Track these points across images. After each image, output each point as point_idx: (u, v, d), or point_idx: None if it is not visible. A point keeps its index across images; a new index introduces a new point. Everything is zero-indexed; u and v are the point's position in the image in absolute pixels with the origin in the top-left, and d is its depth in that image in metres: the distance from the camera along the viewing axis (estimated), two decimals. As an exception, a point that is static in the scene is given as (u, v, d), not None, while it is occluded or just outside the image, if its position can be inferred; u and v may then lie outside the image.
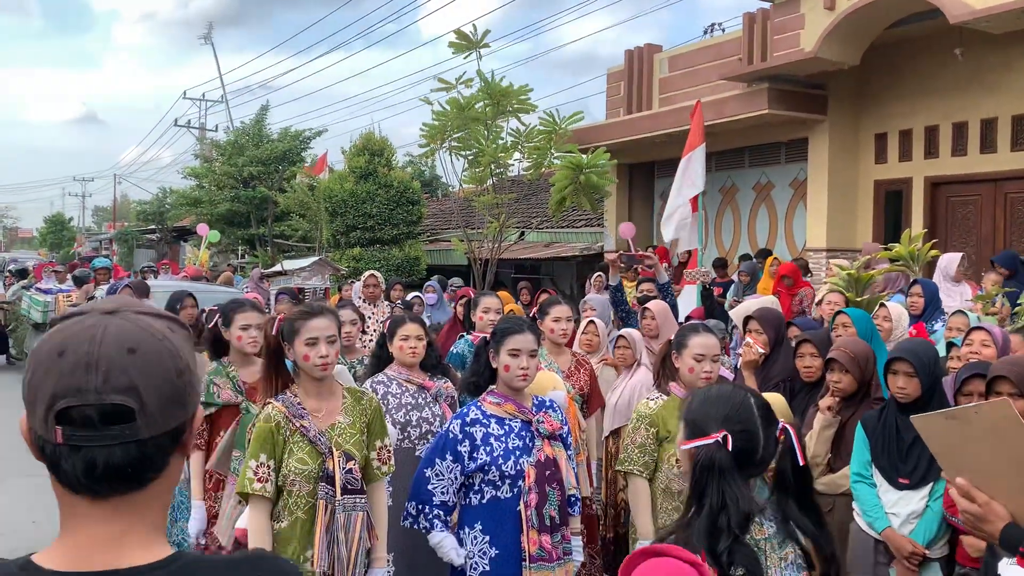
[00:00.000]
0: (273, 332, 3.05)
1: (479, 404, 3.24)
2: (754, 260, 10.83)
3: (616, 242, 12.93)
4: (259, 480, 2.87)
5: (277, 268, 14.09)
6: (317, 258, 12.88)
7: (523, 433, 3.19)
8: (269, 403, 2.98)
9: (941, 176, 10.09)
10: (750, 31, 11.01)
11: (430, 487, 3.12)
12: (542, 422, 3.21)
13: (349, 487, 2.92)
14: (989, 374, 3.23)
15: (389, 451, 3.15)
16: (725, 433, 1.83)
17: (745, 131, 11.35)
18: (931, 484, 3.40)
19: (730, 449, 1.83)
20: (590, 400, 4.90)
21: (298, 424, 2.91)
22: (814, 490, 1.99)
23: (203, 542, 3.76)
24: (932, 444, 1.85)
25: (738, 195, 12.64)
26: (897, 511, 3.45)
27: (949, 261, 7.18)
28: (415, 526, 3.16)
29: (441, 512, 3.12)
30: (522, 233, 16.78)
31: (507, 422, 3.19)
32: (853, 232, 10.77)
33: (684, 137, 9.21)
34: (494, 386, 3.28)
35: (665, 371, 3.60)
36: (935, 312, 6.07)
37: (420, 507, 3.13)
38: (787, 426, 1.91)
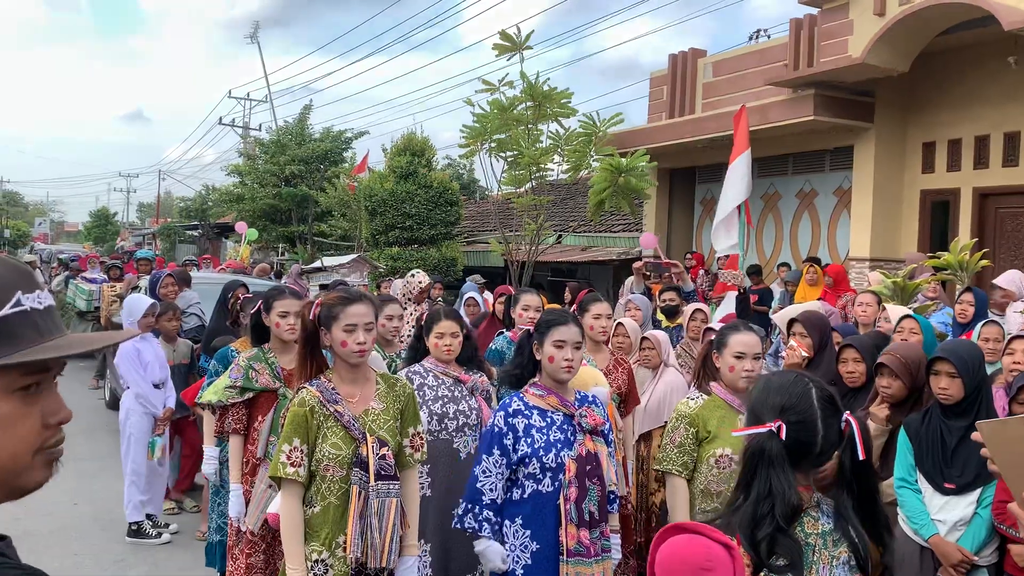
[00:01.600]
0: (311, 317, 3.04)
1: (521, 395, 3.22)
2: (797, 269, 10.69)
3: (659, 246, 12.83)
4: (292, 464, 2.86)
5: (316, 264, 14.23)
6: (356, 255, 12.97)
7: (565, 426, 3.16)
8: (303, 388, 2.97)
9: (990, 187, 9.87)
10: (796, 37, 10.88)
11: (479, 485, 3.10)
12: (584, 416, 3.18)
13: (383, 473, 2.90)
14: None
15: (422, 438, 3.14)
16: (780, 423, 1.79)
17: (789, 138, 11.21)
18: (979, 490, 3.32)
19: (784, 439, 1.79)
20: (627, 400, 4.86)
21: (332, 409, 2.90)
22: (878, 490, 1.90)
23: (248, 526, 3.79)
24: (999, 453, 1.64)
25: (781, 202, 12.49)
26: (943, 517, 3.37)
27: (1010, 279, 6.83)
28: (461, 526, 3.11)
29: (491, 513, 3.08)
30: (559, 236, 16.76)
31: (549, 414, 3.17)
32: (897, 242, 10.59)
33: (727, 142, 9.12)
34: (537, 378, 3.26)
35: (706, 371, 3.57)
36: (981, 320, 5.92)
37: (469, 506, 3.10)
38: (851, 418, 1.84)
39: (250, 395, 3.93)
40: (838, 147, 11.11)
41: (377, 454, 2.89)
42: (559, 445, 3.12)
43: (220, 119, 36.95)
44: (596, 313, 4.80)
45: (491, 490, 3.08)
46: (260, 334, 4.17)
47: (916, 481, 3.48)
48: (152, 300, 6.09)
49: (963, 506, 3.35)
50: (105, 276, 12.94)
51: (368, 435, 2.91)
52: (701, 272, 11.59)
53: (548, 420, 3.16)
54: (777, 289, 10.52)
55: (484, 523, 3.06)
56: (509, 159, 12.88)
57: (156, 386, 5.86)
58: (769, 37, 13.17)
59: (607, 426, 3.30)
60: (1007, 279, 6.64)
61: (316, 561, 2.86)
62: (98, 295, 12.11)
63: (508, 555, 3.10)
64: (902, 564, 3.47)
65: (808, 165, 11.98)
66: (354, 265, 12.15)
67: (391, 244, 16.01)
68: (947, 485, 3.38)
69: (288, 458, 2.85)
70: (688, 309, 6.05)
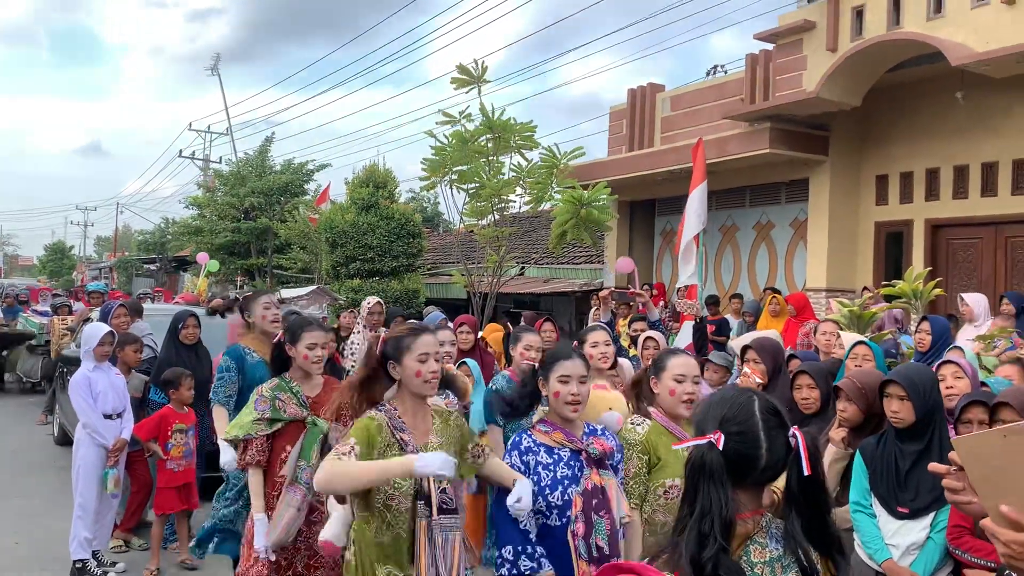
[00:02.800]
0: (378, 352, 3.02)
1: (529, 432, 3.21)
2: (753, 299, 10.80)
3: (616, 278, 12.89)
4: (343, 454, 2.80)
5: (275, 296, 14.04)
6: (315, 287, 12.84)
7: (572, 462, 3.13)
8: (371, 412, 2.94)
9: (942, 219, 10.09)
10: (752, 71, 11.10)
11: (522, 526, 3.03)
12: (592, 444, 3.14)
13: (444, 507, 2.87)
14: (992, 402, 3.19)
15: (481, 447, 3.15)
16: (719, 434, 1.75)
17: (746, 170, 11.38)
18: (932, 514, 3.32)
19: (724, 450, 1.74)
20: None
21: (398, 436, 2.89)
22: (828, 508, 1.83)
23: (272, 557, 3.77)
24: (974, 468, 1.63)
25: (738, 234, 12.64)
26: (896, 542, 3.36)
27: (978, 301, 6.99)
28: (514, 571, 3.01)
29: (541, 548, 3.02)
30: (522, 269, 16.78)
31: (556, 451, 3.14)
32: (853, 272, 10.75)
33: (685, 175, 9.23)
34: (545, 413, 3.24)
35: (642, 396, 3.50)
36: (943, 348, 5.99)
37: (520, 548, 3.01)
38: (797, 433, 1.79)
39: (278, 426, 3.89)
40: (794, 179, 11.30)
41: (438, 488, 2.87)
42: (566, 482, 3.09)
43: (180, 152, 36.63)
44: (594, 341, 4.70)
45: (531, 528, 3.05)
46: (280, 365, 4.10)
47: (871, 505, 3.48)
48: (109, 328, 5.94)
49: (916, 530, 3.34)
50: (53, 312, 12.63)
51: None
52: (661, 303, 11.65)
53: (555, 457, 3.13)
54: (734, 320, 10.60)
55: (542, 559, 3.01)
56: (471, 191, 12.91)
57: (109, 416, 5.69)
58: (726, 72, 13.42)
59: (617, 458, 3.23)
60: (974, 299, 6.81)
61: None
62: (48, 328, 11.83)
63: None
64: (858, 590, 3.45)
65: (765, 197, 12.16)
66: (313, 297, 12.02)
67: (352, 276, 15.88)
68: (900, 509, 3.38)
69: (342, 448, 2.81)
70: (640, 338, 6.05)
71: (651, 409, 3.39)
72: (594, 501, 3.08)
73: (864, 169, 10.88)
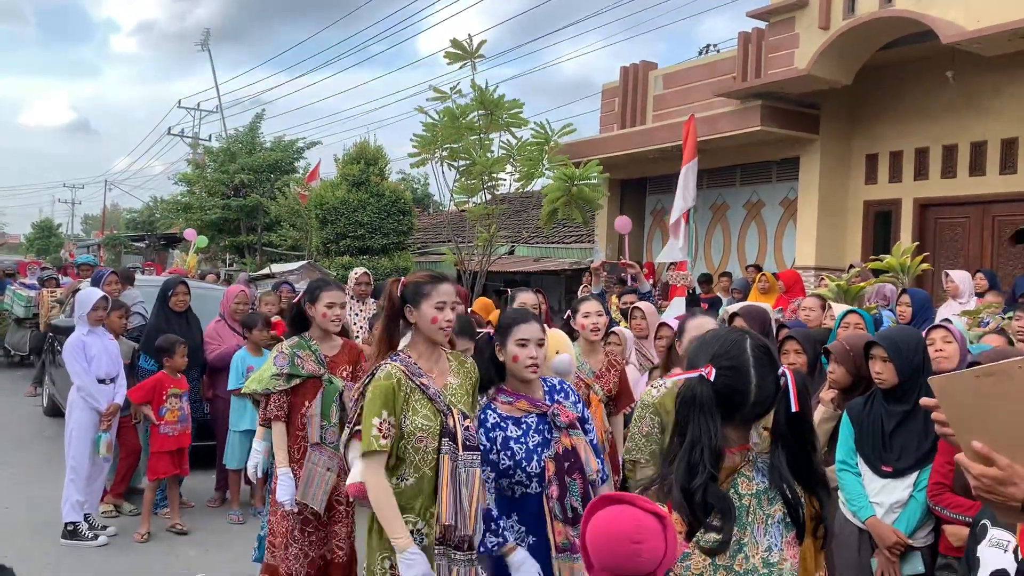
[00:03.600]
0: (397, 293, 3.08)
1: (493, 406, 3.18)
2: (742, 277, 10.86)
3: (607, 254, 12.94)
4: (384, 436, 2.90)
5: (264, 272, 14.04)
6: (305, 262, 12.83)
7: (540, 427, 3.14)
8: (386, 363, 3.00)
9: (930, 198, 10.16)
10: (745, 49, 11.11)
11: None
12: (557, 415, 3.15)
13: (468, 444, 2.97)
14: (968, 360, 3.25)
15: None
16: (710, 368, 1.78)
17: (737, 149, 11.42)
18: (915, 473, 3.38)
19: (714, 383, 1.78)
20: (618, 399, 4.80)
21: (418, 382, 2.97)
22: (814, 446, 1.88)
23: (296, 508, 3.87)
24: (948, 406, 1.71)
25: (729, 213, 12.69)
26: (880, 500, 3.42)
27: (958, 278, 7.12)
28: (484, 550, 3.03)
29: (502, 520, 3.05)
30: (512, 248, 16.79)
31: (523, 421, 3.15)
32: (842, 251, 10.82)
33: (676, 153, 9.25)
34: (503, 383, 3.21)
35: (671, 359, 3.64)
36: (924, 322, 6.09)
37: (483, 526, 3.03)
38: (787, 371, 1.83)
39: (296, 382, 4.00)
40: (784, 158, 11.34)
41: (462, 425, 2.98)
42: (539, 449, 3.10)
43: (169, 129, 36.38)
44: (586, 311, 4.71)
45: (493, 504, 3.08)
46: (300, 323, 4.22)
47: (856, 464, 3.54)
48: (103, 293, 5.93)
49: (900, 489, 3.40)
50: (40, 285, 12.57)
51: (452, 408, 3.00)
52: (651, 281, 11.71)
53: (523, 427, 3.13)
54: (724, 298, 10.66)
55: (507, 532, 3.05)
56: (461, 168, 12.89)
57: (103, 381, 5.70)
58: (718, 51, 13.43)
59: (584, 414, 3.26)
60: (960, 275, 6.92)
61: (412, 532, 2.92)
62: (36, 301, 11.78)
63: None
64: (841, 546, 3.52)
65: (755, 176, 12.20)
66: (303, 272, 11.99)
67: (342, 253, 15.86)
68: (885, 468, 3.44)
69: (379, 430, 2.89)
70: (630, 309, 6.10)
71: (676, 370, 3.47)
72: (566, 464, 3.11)
73: (854, 148, 10.93)
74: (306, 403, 4.01)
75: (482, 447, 3.08)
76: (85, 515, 5.65)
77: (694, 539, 1.74)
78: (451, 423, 2.96)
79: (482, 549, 3.04)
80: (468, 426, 3.00)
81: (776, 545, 1.78)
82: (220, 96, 34.07)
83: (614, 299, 8.87)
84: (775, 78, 10.04)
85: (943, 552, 3.32)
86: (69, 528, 5.56)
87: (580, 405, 3.30)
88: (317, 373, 4.04)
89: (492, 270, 14.29)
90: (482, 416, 3.16)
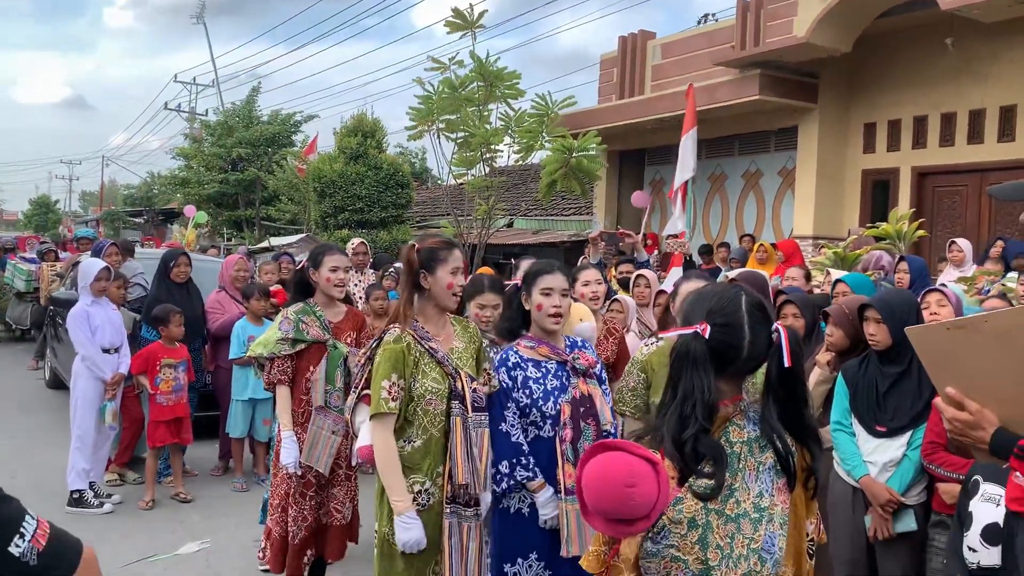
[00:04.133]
0: (413, 258, 3.11)
1: (515, 349, 3.29)
2: (739, 246, 10.88)
3: (606, 226, 12.94)
4: (393, 399, 2.95)
5: (263, 245, 14.06)
6: (304, 235, 12.84)
7: (559, 373, 3.26)
8: (395, 327, 3.06)
9: (928, 166, 10.16)
10: (743, 17, 11.04)
11: (514, 440, 3.17)
12: (577, 359, 3.29)
13: (476, 405, 3.05)
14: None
15: (490, 374, 3.24)
16: (705, 325, 1.81)
17: (736, 119, 11.39)
18: (909, 433, 3.43)
19: (708, 340, 1.81)
20: (616, 367, 4.87)
21: (427, 346, 3.03)
22: (806, 401, 1.91)
23: (299, 471, 3.93)
24: (925, 355, 1.90)
25: (727, 183, 12.69)
26: (875, 459, 3.47)
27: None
28: (512, 483, 3.14)
29: (534, 459, 3.15)
30: (511, 220, 16.79)
31: (543, 364, 3.26)
32: (839, 220, 10.84)
33: (675, 123, 9.26)
34: (527, 331, 3.34)
35: (666, 321, 3.73)
36: (921, 289, 6.13)
37: (516, 460, 3.14)
38: (780, 327, 1.86)
39: (301, 347, 4.03)
40: (783, 128, 11.32)
41: (470, 387, 3.05)
42: (556, 393, 3.22)
43: (166, 104, 36.22)
44: (585, 280, 4.78)
45: (524, 440, 3.19)
46: (304, 289, 4.24)
47: (851, 424, 3.59)
48: (105, 264, 5.96)
49: (893, 448, 3.45)
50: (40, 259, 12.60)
51: (460, 370, 3.07)
52: (656, 252, 11.74)
53: (543, 370, 3.25)
54: (722, 268, 10.69)
55: (536, 469, 3.15)
56: (459, 140, 12.85)
57: (107, 351, 5.75)
58: (717, 20, 13.34)
59: (599, 366, 3.40)
60: (965, 244, 7.00)
61: (420, 492, 2.99)
62: (37, 275, 11.81)
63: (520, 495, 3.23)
64: (835, 504, 3.58)
65: (754, 146, 12.19)
66: (302, 245, 12.02)
67: (340, 226, 15.84)
68: (879, 428, 3.48)
69: (389, 393, 2.95)
70: (633, 276, 6.14)
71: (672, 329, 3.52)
72: (581, 409, 3.22)
73: (853, 117, 10.91)
74: (311, 368, 4.04)
75: (504, 385, 3.21)
76: (90, 483, 5.73)
77: (687, 484, 1.78)
78: (460, 385, 3.03)
79: (511, 483, 3.14)
80: (476, 388, 3.07)
81: (767, 491, 1.82)
82: (216, 70, 33.83)
83: (612, 270, 8.91)
84: (774, 46, 9.99)
85: (936, 509, 3.38)
86: (75, 496, 5.64)
87: (600, 365, 3.43)
88: (321, 339, 4.07)
89: (491, 243, 14.29)
90: (503, 355, 3.28)
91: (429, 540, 2.98)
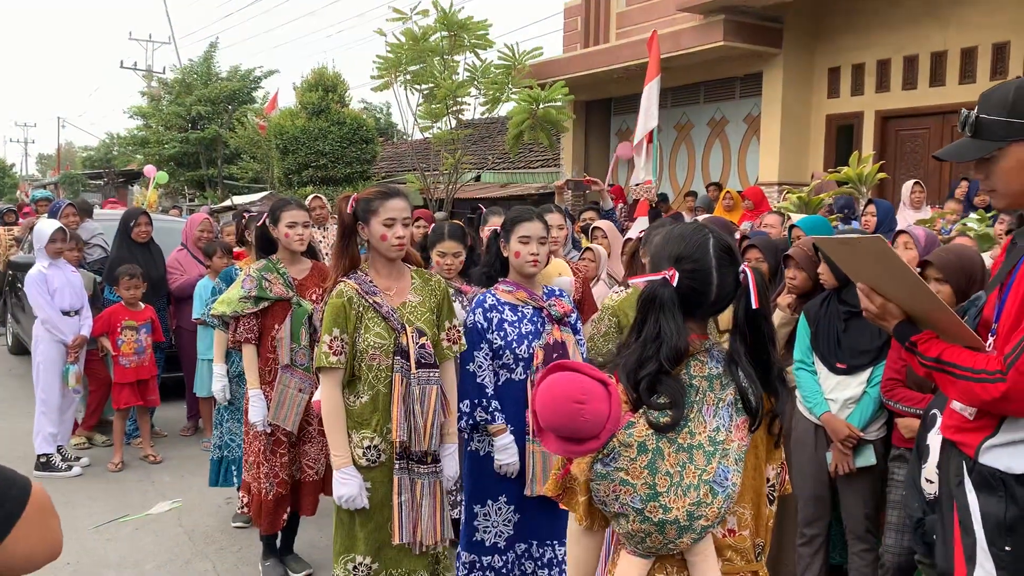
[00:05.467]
0: (348, 210, 3.05)
1: (493, 292, 3.35)
2: (705, 195, 10.92)
3: (573, 176, 12.89)
4: (334, 353, 2.94)
5: (226, 204, 13.85)
6: (267, 192, 12.66)
7: (535, 319, 3.31)
8: (341, 281, 3.02)
9: (891, 110, 10.20)
10: (707, -38, 10.91)
11: (479, 380, 3.21)
12: (553, 305, 3.34)
13: (423, 361, 2.99)
14: (922, 258, 3.34)
15: (459, 331, 3.21)
16: (673, 271, 1.81)
17: (701, 66, 11.33)
18: (868, 370, 3.48)
19: (677, 286, 1.80)
20: (582, 308, 4.89)
21: (371, 300, 2.98)
22: (772, 340, 1.91)
23: (268, 429, 3.91)
24: (838, 260, 2.33)
25: (693, 131, 12.67)
26: (835, 396, 3.53)
27: (905, 189, 7.40)
28: (471, 423, 3.22)
29: (496, 403, 3.21)
30: (478, 175, 16.67)
31: (520, 308, 3.31)
32: (805, 166, 10.89)
33: (641, 72, 9.16)
34: (506, 276, 3.39)
35: (634, 267, 3.72)
36: (888, 231, 6.21)
37: (476, 402, 3.21)
38: (747, 268, 1.86)
39: (264, 305, 3.97)
40: (748, 74, 11.29)
41: (417, 343, 2.99)
42: (530, 337, 3.27)
43: (121, 63, 35.27)
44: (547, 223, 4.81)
45: (490, 383, 3.23)
46: (266, 246, 4.18)
47: (812, 363, 3.64)
48: (60, 225, 5.83)
49: (854, 385, 3.51)
50: (-1, 221, 12.31)
51: (407, 326, 3.00)
52: (621, 205, 11.73)
53: (519, 314, 3.30)
54: (687, 216, 10.72)
55: (496, 413, 3.20)
56: (425, 92, 12.66)
57: (67, 313, 5.66)
58: (681, -34, 13.17)
59: (575, 316, 3.44)
60: (902, 194, 7.08)
61: (369, 447, 2.98)
62: (-7, 239, 11.54)
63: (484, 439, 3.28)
64: (797, 441, 3.65)
65: (719, 93, 12.15)
66: (266, 203, 11.85)
67: (304, 183, 15.65)
68: (839, 366, 3.54)
69: (330, 347, 2.93)
70: (591, 227, 6.14)
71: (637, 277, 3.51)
72: (555, 355, 3.26)
73: (817, 62, 10.90)
74: (276, 326, 3.99)
75: (479, 325, 3.25)
76: (58, 447, 5.68)
77: (641, 411, 1.79)
78: (404, 341, 2.98)
79: (470, 422, 3.21)
80: (424, 344, 3.01)
81: (724, 426, 1.82)
82: (172, 26, 32.90)
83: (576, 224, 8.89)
84: (738, -9, 9.91)
85: (895, 444, 3.45)
86: (42, 460, 5.59)
87: (576, 315, 3.47)
88: (285, 296, 4.01)
89: (458, 197, 14.20)
90: (481, 297, 3.34)
91: (382, 497, 2.98)
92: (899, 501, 3.30)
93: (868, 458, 3.48)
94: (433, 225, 4.46)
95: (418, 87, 12.59)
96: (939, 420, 2.76)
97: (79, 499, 5.20)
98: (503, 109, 13.07)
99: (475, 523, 3.32)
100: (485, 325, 3.27)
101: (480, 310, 3.30)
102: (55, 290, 5.61)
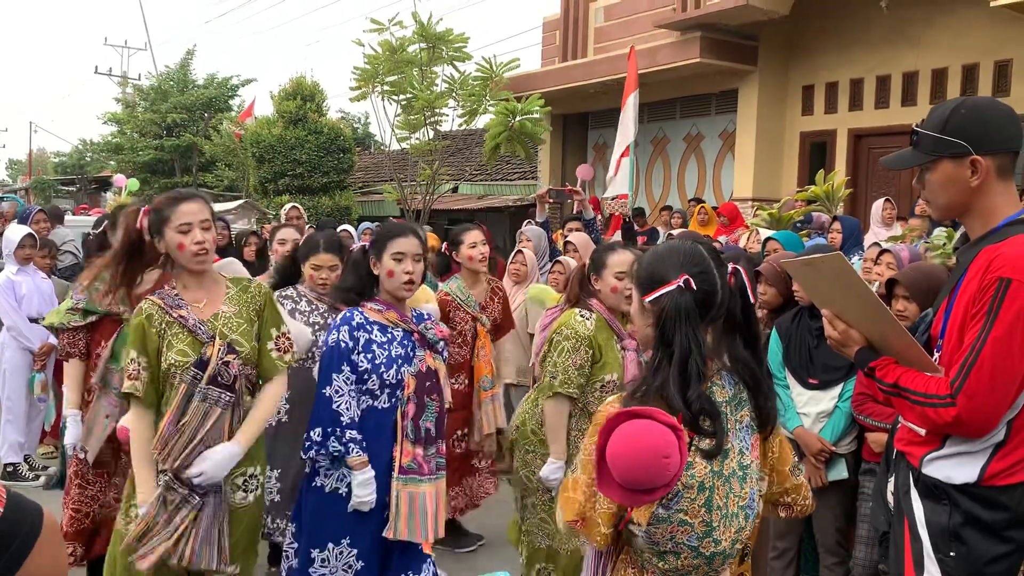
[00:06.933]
0: (137, 225, 2.77)
1: (361, 310, 3.05)
2: (682, 209, 11.01)
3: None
4: (129, 377, 2.68)
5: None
6: (244, 200, 12.58)
7: (405, 342, 3.05)
8: (145, 299, 2.75)
9: (864, 128, 10.35)
10: (684, -20, 11.04)
11: (335, 407, 2.90)
12: (430, 328, 3.10)
13: (219, 379, 2.70)
14: (889, 277, 3.40)
15: (289, 340, 2.92)
16: (686, 276, 1.78)
17: (677, 82, 11.44)
18: (840, 385, 3.53)
19: (694, 291, 1.78)
20: (500, 327, 4.87)
21: (176, 315, 2.70)
22: (759, 337, 1.92)
23: (82, 455, 3.56)
24: (802, 283, 2.47)
25: (669, 146, 12.78)
26: (807, 411, 3.58)
27: (876, 207, 7.51)
28: (322, 452, 2.90)
29: (355, 433, 2.91)
30: (456, 186, 16.68)
31: (390, 330, 3.04)
32: (779, 182, 11.01)
33: (618, 87, 9.24)
34: (376, 295, 3.12)
35: (584, 293, 3.48)
36: (854, 247, 6.31)
37: (330, 430, 2.89)
38: (737, 267, 1.87)
39: (92, 319, 3.59)
40: (724, 90, 11.40)
41: (221, 358, 2.71)
42: (399, 361, 3.02)
43: (96, 68, 34.97)
44: (472, 242, 4.60)
45: (348, 409, 2.93)
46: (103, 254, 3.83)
47: (784, 377, 3.68)
48: (29, 231, 5.76)
49: (825, 400, 3.56)
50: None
51: (218, 338, 2.73)
52: (599, 216, 11.78)
53: (389, 336, 3.03)
54: (663, 231, 10.80)
55: (351, 443, 2.90)
56: (403, 103, 12.67)
57: (35, 320, 5.58)
58: (659, -17, 13.31)
59: (442, 344, 3.20)
60: (872, 212, 7.18)
61: (162, 471, 2.70)
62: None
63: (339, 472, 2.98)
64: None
65: (695, 109, 12.27)
66: (241, 211, 11.79)
67: (280, 192, 15.55)
68: (811, 381, 3.58)
69: (127, 373, 2.69)
70: (561, 242, 6.16)
71: (593, 301, 3.41)
72: (427, 383, 3.05)
73: (791, 79, 11.04)
74: (102, 343, 3.58)
75: (342, 345, 2.94)
76: (25, 456, 5.60)
77: (693, 448, 1.75)
78: (208, 352, 2.71)
79: (321, 452, 2.90)
80: (230, 361, 2.73)
81: (746, 448, 1.84)
82: (148, 32, 32.71)
83: (559, 234, 8.93)
84: (714, 8, 10.03)
85: (866, 458, 3.50)
86: (8, 469, 5.51)
87: (443, 343, 3.22)
88: (115, 311, 3.54)
89: (436, 208, 14.20)
90: (348, 314, 3.04)
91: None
92: (869, 515, 3.33)
93: (840, 472, 3.52)
94: (305, 236, 4.13)
95: (396, 98, 12.61)
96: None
97: (50, 509, 5.10)
98: (481, 121, 13.13)
99: (310, 570, 2.98)
100: (351, 345, 2.96)
101: (346, 328, 2.98)
102: (22, 297, 5.54)
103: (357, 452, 2.91)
